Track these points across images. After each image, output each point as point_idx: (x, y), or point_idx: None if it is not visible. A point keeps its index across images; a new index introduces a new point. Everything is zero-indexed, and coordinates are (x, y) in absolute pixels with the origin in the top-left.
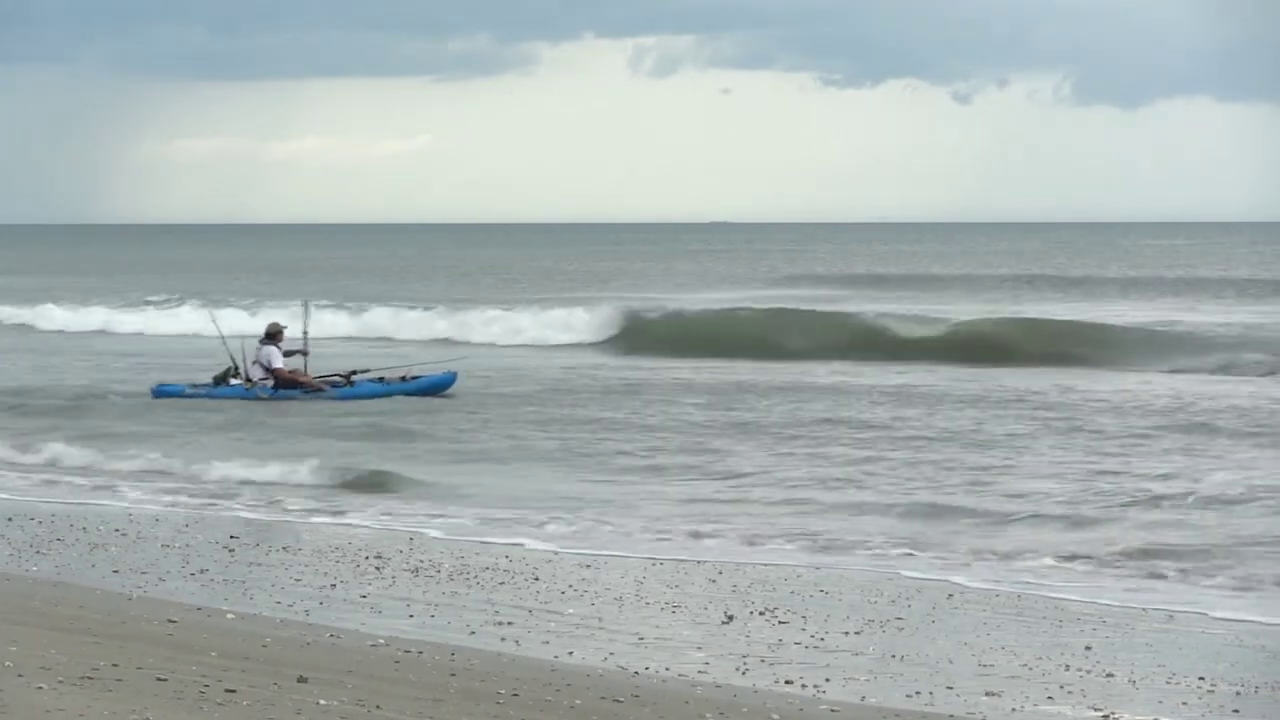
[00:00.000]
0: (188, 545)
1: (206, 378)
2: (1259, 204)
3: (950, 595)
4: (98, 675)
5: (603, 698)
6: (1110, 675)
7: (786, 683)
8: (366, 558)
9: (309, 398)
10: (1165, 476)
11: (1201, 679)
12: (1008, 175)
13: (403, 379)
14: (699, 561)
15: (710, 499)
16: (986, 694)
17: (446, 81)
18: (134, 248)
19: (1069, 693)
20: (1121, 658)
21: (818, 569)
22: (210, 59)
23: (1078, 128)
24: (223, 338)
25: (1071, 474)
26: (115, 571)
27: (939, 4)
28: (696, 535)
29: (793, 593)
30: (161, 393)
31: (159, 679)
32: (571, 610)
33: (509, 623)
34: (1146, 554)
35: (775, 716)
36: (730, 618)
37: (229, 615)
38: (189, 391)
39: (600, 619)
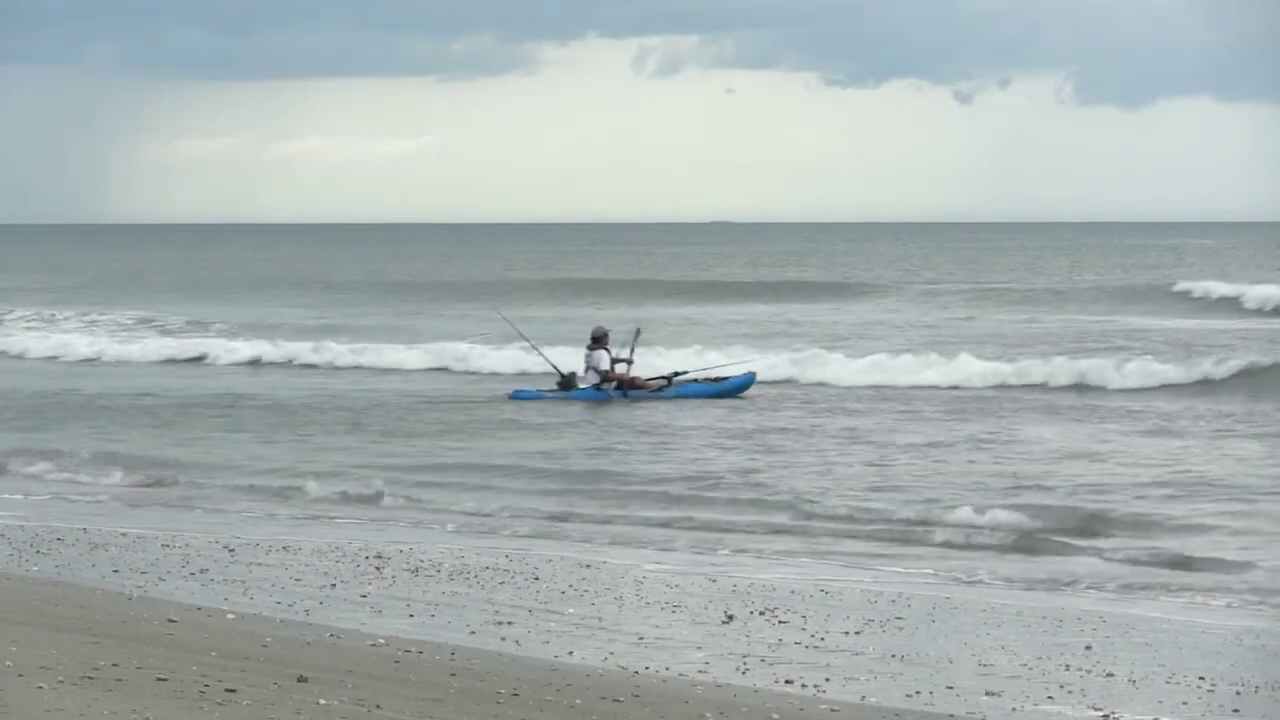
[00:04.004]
0: (188, 545)
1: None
2: (1259, 204)
3: (949, 595)
4: (98, 675)
5: (603, 698)
6: (1110, 675)
7: (786, 683)
8: (366, 558)
9: (646, 397)
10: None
11: (1201, 679)
12: (1010, 175)
13: (713, 381)
14: (697, 564)
15: None
16: (986, 694)
17: (450, 81)
18: (149, 251)
19: (1069, 693)
20: (1121, 658)
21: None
22: (214, 59)
23: (1079, 127)
24: (554, 365)
25: None
26: (115, 571)
27: (941, 4)
28: None
29: (793, 593)
30: (519, 396)
31: (159, 679)
32: (571, 610)
33: (509, 623)
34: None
35: (775, 716)
36: (730, 618)
37: (229, 615)
38: (546, 394)
39: (600, 619)
